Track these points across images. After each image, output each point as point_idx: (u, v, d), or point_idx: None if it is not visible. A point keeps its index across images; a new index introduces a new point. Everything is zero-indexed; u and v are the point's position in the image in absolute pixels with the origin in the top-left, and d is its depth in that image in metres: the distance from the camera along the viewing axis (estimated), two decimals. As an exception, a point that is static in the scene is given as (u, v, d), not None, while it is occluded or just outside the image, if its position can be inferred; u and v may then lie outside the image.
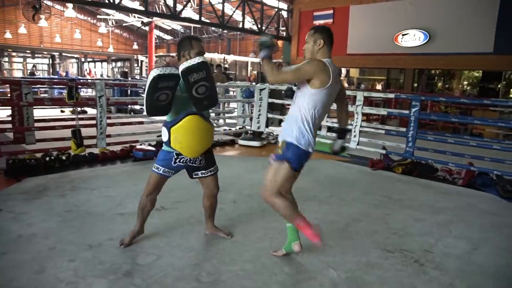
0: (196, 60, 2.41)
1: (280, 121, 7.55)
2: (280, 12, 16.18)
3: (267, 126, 7.09)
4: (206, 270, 2.47)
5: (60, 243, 2.73)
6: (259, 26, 15.62)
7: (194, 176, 2.82)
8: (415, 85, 12.67)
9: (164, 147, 2.67)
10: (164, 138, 2.56)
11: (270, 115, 7.10)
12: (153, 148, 5.42)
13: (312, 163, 5.69)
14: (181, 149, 2.54)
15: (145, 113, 2.55)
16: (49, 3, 23.52)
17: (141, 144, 5.53)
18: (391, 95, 6.89)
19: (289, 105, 7.67)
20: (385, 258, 2.76)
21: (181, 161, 2.65)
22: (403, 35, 11.68)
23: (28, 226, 3.01)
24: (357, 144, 5.98)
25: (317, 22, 14.38)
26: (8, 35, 24.57)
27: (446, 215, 3.74)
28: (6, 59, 24.33)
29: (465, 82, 13.95)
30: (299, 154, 2.40)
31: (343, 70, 18.48)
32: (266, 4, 16.41)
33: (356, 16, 13.01)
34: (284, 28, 16.67)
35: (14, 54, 25.18)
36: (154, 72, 2.37)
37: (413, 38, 11.49)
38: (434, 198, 4.27)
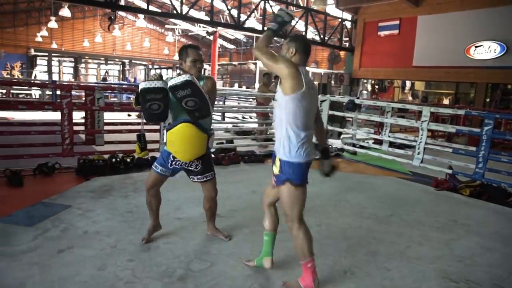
0: (181, 78, 2.50)
1: (340, 134, 7.41)
2: (343, 23, 15.97)
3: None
4: (258, 282, 2.46)
5: (121, 242, 2.87)
6: (321, 36, 15.52)
7: (191, 180, 2.95)
8: (488, 100, 11.84)
9: (165, 147, 2.83)
10: (165, 139, 2.75)
11: (329, 128, 6.98)
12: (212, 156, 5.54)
13: (371, 179, 5.55)
14: (174, 153, 2.73)
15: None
16: (123, 14, 25.14)
17: (200, 151, 5.67)
18: (461, 112, 6.47)
19: (350, 117, 7.52)
20: (447, 287, 2.58)
21: (177, 163, 2.81)
22: (476, 47, 10.98)
23: (93, 224, 3.20)
24: (421, 162, 5.69)
25: (382, 33, 14.01)
26: (86, 43, 26.69)
27: (520, 245, 3.41)
28: (83, 65, 26.34)
29: (547, 99, 12.80)
30: (297, 169, 2.30)
31: (408, 83, 17.80)
32: (330, 15, 16.27)
33: (424, 26, 12.46)
34: (347, 39, 16.42)
35: (90, 61, 27.23)
36: (140, 86, 2.59)
37: (487, 50, 10.75)
38: (506, 226, 3.92)
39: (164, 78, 2.75)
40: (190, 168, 2.84)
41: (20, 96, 16.11)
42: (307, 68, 2.42)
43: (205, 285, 2.36)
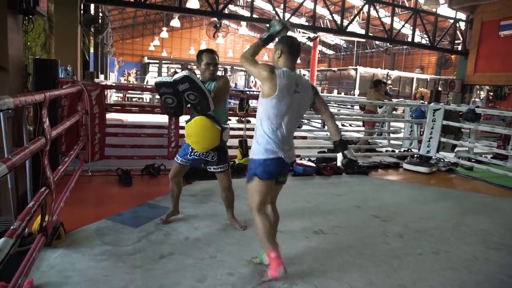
0: (181, 74, 2.76)
1: (454, 146, 6.61)
2: (456, 24, 14.54)
3: (438, 151, 6.27)
4: (369, 316, 2.14)
5: (220, 253, 2.77)
6: (430, 39, 14.33)
7: (208, 169, 3.19)
8: None
9: (186, 140, 3.13)
10: (185, 132, 3.07)
11: (443, 139, 6.26)
12: (313, 165, 5.29)
13: (494, 201, 4.78)
14: (191, 143, 3.02)
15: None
16: (226, 23, 26.23)
17: (301, 159, 5.47)
18: None
19: (466, 129, 6.69)
20: None
21: (195, 154, 3.09)
22: None
23: (194, 230, 3.17)
24: None
25: (504, 33, 12.45)
26: (192, 51, 28.51)
27: None
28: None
29: None
30: (260, 164, 2.36)
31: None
32: (441, 15, 14.95)
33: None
34: (459, 41, 14.93)
35: (195, 67, 29.06)
36: (155, 80, 2.95)
37: None
38: None
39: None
40: (207, 158, 3.11)
41: (133, 99, 17.64)
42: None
43: (308, 313, 2.13)
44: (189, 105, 3.03)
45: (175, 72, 2.93)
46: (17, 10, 3.51)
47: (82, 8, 8.80)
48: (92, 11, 10.34)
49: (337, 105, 13.09)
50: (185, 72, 2.77)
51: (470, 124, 6.05)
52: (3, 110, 1.46)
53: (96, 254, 2.63)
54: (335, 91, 21.61)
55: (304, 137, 6.20)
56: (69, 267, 2.43)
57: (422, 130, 6.80)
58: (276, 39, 2.52)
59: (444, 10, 15.73)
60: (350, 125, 11.45)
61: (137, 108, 6.33)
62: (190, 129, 2.98)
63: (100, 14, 12.55)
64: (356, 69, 20.22)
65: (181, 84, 2.76)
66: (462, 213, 4.16)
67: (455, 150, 6.85)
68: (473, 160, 6.68)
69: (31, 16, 3.88)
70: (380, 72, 20.69)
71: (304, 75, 23.72)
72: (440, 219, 3.91)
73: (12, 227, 1.59)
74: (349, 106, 13.84)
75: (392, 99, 8.96)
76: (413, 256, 2.96)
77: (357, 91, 18.94)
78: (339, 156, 2.47)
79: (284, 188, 4.43)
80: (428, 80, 21.89)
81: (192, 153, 3.09)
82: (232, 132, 5.54)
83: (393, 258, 2.89)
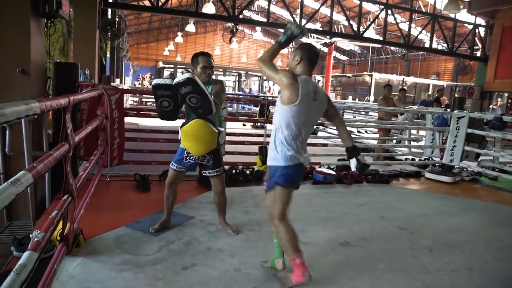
0: (183, 76, 2.71)
1: (478, 155, 6.41)
2: (476, 29, 14.26)
3: (461, 160, 6.08)
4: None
5: (244, 265, 2.65)
6: (448, 45, 14.08)
7: (203, 174, 3.18)
8: None
9: (181, 145, 3.08)
10: (179, 136, 3.02)
11: (467, 148, 6.07)
12: (333, 172, 5.15)
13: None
14: (188, 148, 3.00)
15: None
16: (240, 28, 26.26)
17: (320, 167, 5.34)
18: None
19: (492, 137, 6.48)
20: None
21: (191, 158, 3.05)
22: None
23: (215, 240, 3.06)
24: None
25: (526, 39, 12.15)
26: (206, 55, 28.58)
27: None
28: (202, 76, 28.31)
29: None
30: (282, 171, 2.35)
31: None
32: (460, 21, 14.69)
33: None
34: (477, 47, 14.63)
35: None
36: (153, 82, 2.96)
37: None
38: None
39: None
40: (203, 162, 3.07)
41: (148, 103, 17.70)
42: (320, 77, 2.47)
43: (341, 333, 2.00)
44: (183, 109, 3.07)
45: (172, 75, 2.91)
46: (40, 13, 3.48)
47: (100, 12, 8.84)
48: (109, 16, 10.41)
49: (352, 111, 12.92)
50: (187, 75, 2.72)
51: (496, 132, 5.86)
52: (30, 116, 1.38)
53: (116, 264, 2.55)
54: (350, 97, 21.41)
55: (325, 145, 6.07)
56: (89, 278, 2.35)
57: (444, 138, 6.61)
58: (293, 43, 2.55)
59: (462, 15, 15.46)
60: (366, 132, 11.30)
61: (155, 113, 6.23)
62: (187, 133, 2.96)
63: (117, 19, 12.64)
64: (371, 75, 20.02)
65: (184, 87, 2.71)
66: (492, 226, 3.98)
67: (478, 159, 6.65)
68: (497, 170, 6.45)
69: (53, 20, 3.85)
70: (395, 78, 20.46)
71: (318, 81, 23.65)
72: (469, 232, 3.74)
73: (36, 239, 1.51)
74: (363, 113, 13.68)
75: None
76: (446, 273, 2.80)
77: (372, 97, 18.73)
78: (353, 161, 2.46)
79: (305, 196, 4.32)
80: (445, 86, 21.56)
81: (188, 158, 3.06)
82: (250, 139, 5.50)
83: (425, 274, 2.74)
